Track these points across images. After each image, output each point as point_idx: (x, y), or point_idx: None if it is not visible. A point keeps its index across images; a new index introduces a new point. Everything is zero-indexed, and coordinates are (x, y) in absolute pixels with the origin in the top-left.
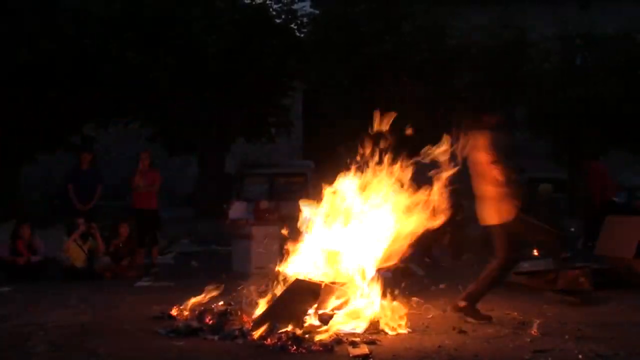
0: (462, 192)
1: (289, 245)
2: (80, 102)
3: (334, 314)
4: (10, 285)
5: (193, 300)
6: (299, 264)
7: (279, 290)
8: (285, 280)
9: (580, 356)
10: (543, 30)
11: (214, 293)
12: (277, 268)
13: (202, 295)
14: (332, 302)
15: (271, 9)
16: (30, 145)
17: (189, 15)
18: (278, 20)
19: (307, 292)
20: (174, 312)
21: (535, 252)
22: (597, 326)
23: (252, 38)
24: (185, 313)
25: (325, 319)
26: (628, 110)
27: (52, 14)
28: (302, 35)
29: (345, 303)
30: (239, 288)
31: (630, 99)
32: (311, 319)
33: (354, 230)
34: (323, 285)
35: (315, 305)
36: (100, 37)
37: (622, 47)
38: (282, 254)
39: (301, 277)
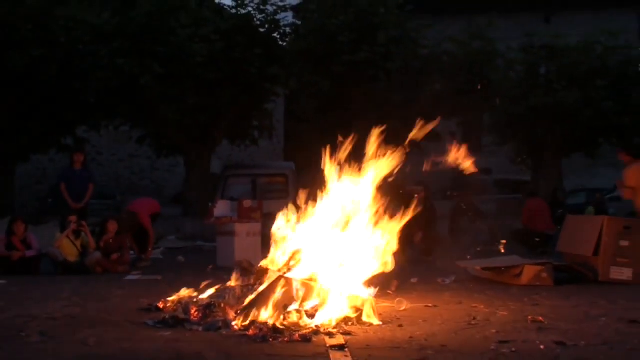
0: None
1: (272, 242)
2: (73, 105)
3: (317, 309)
4: (5, 278)
5: (180, 293)
6: (283, 260)
7: (261, 284)
8: (268, 275)
9: (542, 347)
10: (509, 42)
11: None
12: (260, 263)
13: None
14: (314, 298)
15: (255, 19)
16: (25, 146)
17: (177, 23)
18: (262, 30)
19: (289, 288)
20: (161, 304)
21: (502, 249)
22: (558, 319)
23: (236, 46)
24: (170, 305)
25: (311, 314)
26: (587, 117)
27: (45, 22)
28: (284, 44)
29: (325, 298)
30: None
31: (589, 106)
32: (293, 313)
33: (336, 229)
34: (304, 282)
35: (299, 302)
36: (92, 44)
37: (583, 58)
38: (265, 250)
39: (284, 274)
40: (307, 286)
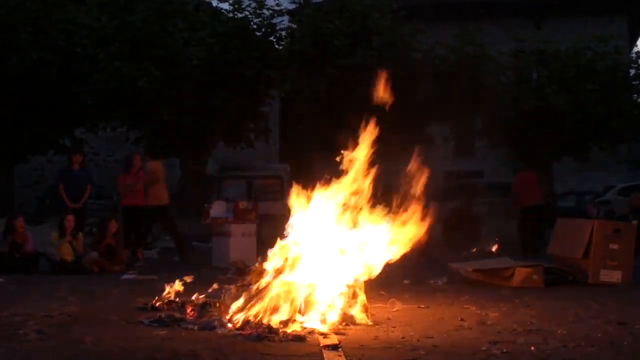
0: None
1: (269, 243)
2: (71, 107)
3: (312, 309)
4: (3, 277)
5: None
6: (279, 260)
7: (257, 285)
8: (264, 275)
9: (532, 348)
10: (501, 47)
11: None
12: (256, 264)
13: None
14: (308, 298)
15: (252, 23)
16: (24, 148)
17: (174, 27)
18: (258, 34)
19: (285, 289)
20: (157, 303)
21: (494, 251)
22: (548, 320)
23: (231, 49)
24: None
25: (306, 314)
26: (577, 121)
27: (45, 25)
28: (280, 47)
29: (320, 299)
30: (218, 282)
31: (579, 111)
32: (288, 314)
33: (334, 231)
34: (299, 283)
35: (294, 302)
36: (91, 47)
37: (573, 63)
38: (261, 251)
39: (280, 275)
40: (302, 287)
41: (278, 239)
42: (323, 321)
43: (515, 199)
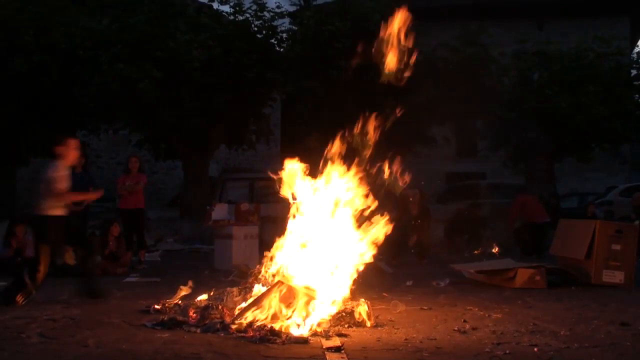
0: (427, 197)
1: (270, 246)
2: (73, 109)
3: (314, 312)
4: (6, 280)
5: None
6: (280, 264)
7: (259, 287)
8: (266, 278)
9: (535, 349)
10: (503, 48)
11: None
12: (258, 267)
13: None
14: (311, 301)
15: (253, 25)
16: (25, 149)
17: (175, 30)
18: (259, 36)
19: (287, 291)
20: (159, 306)
21: (496, 253)
22: (551, 321)
23: (233, 52)
24: (169, 307)
25: (308, 317)
26: (578, 122)
27: (46, 28)
28: (281, 49)
29: (322, 301)
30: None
31: (580, 112)
32: (290, 316)
33: (328, 232)
34: (301, 285)
35: (297, 304)
36: (92, 50)
37: (574, 64)
38: (262, 254)
39: (283, 280)
40: (304, 289)
41: (278, 241)
42: (326, 323)
43: (511, 220)
